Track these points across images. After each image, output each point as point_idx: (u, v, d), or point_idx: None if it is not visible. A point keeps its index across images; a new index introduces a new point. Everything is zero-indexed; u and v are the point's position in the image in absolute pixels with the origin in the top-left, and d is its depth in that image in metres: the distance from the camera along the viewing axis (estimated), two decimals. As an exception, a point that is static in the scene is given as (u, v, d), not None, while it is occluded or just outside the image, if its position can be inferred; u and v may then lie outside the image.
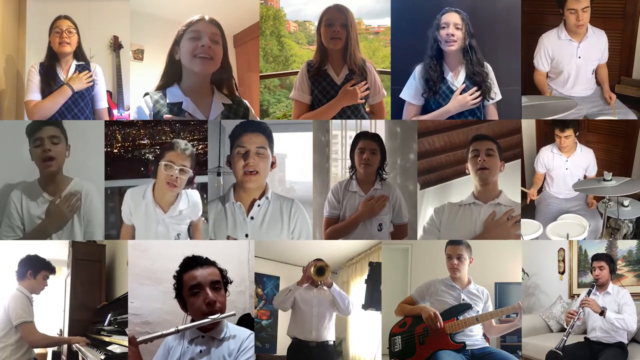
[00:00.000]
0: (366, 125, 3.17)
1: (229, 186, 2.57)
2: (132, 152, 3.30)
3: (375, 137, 2.73)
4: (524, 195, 3.47)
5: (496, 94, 2.88)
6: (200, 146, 3.27)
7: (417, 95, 2.88)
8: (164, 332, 1.87)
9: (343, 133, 3.45)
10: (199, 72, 2.52)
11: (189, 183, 2.61)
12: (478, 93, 2.82)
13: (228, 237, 2.51)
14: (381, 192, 2.70)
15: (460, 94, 2.81)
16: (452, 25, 2.75)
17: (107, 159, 3.00)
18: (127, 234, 2.70)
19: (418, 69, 2.87)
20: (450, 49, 2.78)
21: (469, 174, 2.68)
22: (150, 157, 2.98)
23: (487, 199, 2.64)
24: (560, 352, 2.68)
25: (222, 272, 1.99)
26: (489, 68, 2.84)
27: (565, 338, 2.71)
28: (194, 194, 2.71)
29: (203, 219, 2.74)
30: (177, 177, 2.54)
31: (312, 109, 2.84)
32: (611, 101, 3.36)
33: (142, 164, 2.90)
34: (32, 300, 2.98)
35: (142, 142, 3.26)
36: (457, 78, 2.84)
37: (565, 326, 2.84)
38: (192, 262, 1.95)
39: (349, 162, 2.80)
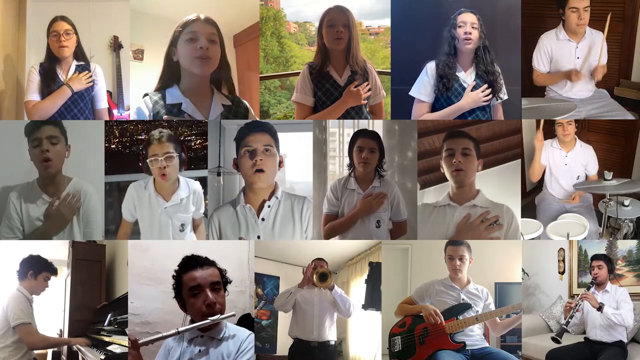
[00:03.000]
0: (364, 124, 3.18)
1: (239, 190, 2.57)
2: (130, 147, 3.30)
3: (374, 135, 2.72)
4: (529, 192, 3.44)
5: (504, 94, 2.91)
6: (199, 141, 3.27)
7: (428, 92, 2.89)
8: (165, 333, 1.87)
9: (340, 131, 3.45)
10: (199, 74, 2.52)
11: (182, 165, 2.66)
12: (489, 90, 2.84)
13: (240, 238, 2.51)
14: (380, 190, 2.69)
15: (472, 90, 2.84)
16: (470, 25, 2.78)
17: (105, 155, 3.01)
18: (125, 232, 2.71)
19: (430, 66, 2.88)
20: (467, 47, 2.80)
21: (444, 172, 2.61)
22: (141, 157, 3.01)
23: (463, 200, 2.57)
24: (559, 339, 2.70)
25: (222, 272, 1.98)
26: (499, 68, 2.87)
27: (564, 327, 2.73)
28: (194, 184, 2.74)
29: (203, 216, 2.77)
30: (165, 166, 2.58)
31: (315, 110, 2.84)
32: (596, 77, 3.31)
33: (140, 159, 2.94)
34: (31, 301, 2.97)
35: (140, 137, 3.26)
36: (468, 76, 2.87)
37: (562, 319, 2.86)
38: (191, 263, 1.93)
39: (347, 160, 2.80)
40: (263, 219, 2.48)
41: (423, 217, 2.63)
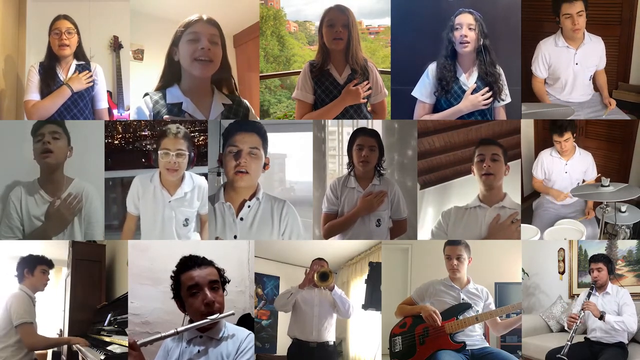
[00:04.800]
0: (363, 124, 3.17)
1: (219, 187, 2.57)
2: (133, 143, 3.31)
3: (374, 134, 2.74)
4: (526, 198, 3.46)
5: (507, 96, 2.91)
6: (202, 137, 3.28)
7: (429, 94, 2.91)
8: (164, 334, 1.86)
9: (340, 129, 3.45)
10: (199, 76, 2.52)
11: (190, 163, 2.69)
12: (490, 94, 2.83)
13: (217, 238, 2.51)
14: (379, 188, 2.71)
15: (472, 93, 2.83)
16: (466, 26, 2.78)
17: (108, 150, 3.02)
18: (130, 226, 2.73)
19: (431, 68, 2.90)
20: (465, 50, 2.81)
21: (475, 175, 2.71)
22: (151, 149, 3.04)
23: (492, 202, 2.68)
24: (566, 358, 2.68)
25: (220, 272, 1.98)
26: (500, 69, 2.87)
27: (569, 343, 2.71)
28: (199, 178, 2.78)
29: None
30: (175, 162, 2.62)
31: (314, 108, 2.85)
32: (611, 107, 3.37)
33: (143, 155, 2.97)
34: (34, 300, 2.97)
35: (143, 133, 3.27)
36: (469, 78, 2.87)
37: (566, 329, 2.85)
38: (189, 262, 1.94)
39: (346, 159, 2.81)
40: (242, 219, 2.48)
41: (457, 220, 2.72)
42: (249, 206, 2.48)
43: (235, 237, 2.49)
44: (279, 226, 2.52)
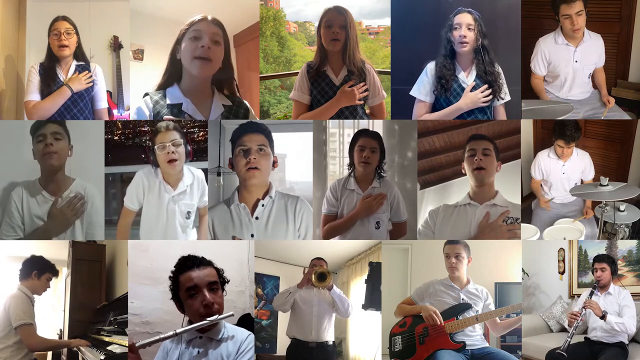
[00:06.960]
0: (364, 124, 3.18)
1: (233, 189, 2.60)
2: (133, 139, 3.32)
3: (376, 135, 2.74)
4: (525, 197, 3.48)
5: (506, 94, 2.90)
6: (202, 133, 3.28)
7: (427, 92, 2.90)
8: (162, 335, 1.85)
9: (341, 131, 3.45)
10: (197, 75, 2.53)
11: (187, 156, 2.72)
12: (489, 91, 2.83)
13: (234, 237, 2.52)
14: (379, 190, 2.70)
15: (471, 91, 2.83)
16: (465, 26, 2.77)
17: (108, 146, 3.03)
18: (127, 221, 2.73)
19: (430, 67, 2.89)
20: (463, 50, 2.80)
21: (465, 174, 2.68)
22: (148, 149, 3.06)
23: (483, 199, 2.65)
24: (565, 354, 2.68)
25: (219, 272, 1.97)
26: (499, 68, 2.86)
27: (569, 339, 2.71)
28: (198, 171, 2.82)
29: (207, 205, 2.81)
30: (173, 151, 2.65)
31: (311, 109, 2.86)
32: (609, 105, 3.36)
33: (143, 150, 2.98)
34: (33, 301, 2.97)
35: (143, 129, 3.27)
36: (468, 77, 2.87)
37: (567, 327, 2.85)
38: (188, 263, 1.93)
39: (346, 160, 2.81)
40: (257, 218, 2.51)
41: (445, 218, 2.68)
42: (262, 205, 2.52)
43: (252, 235, 2.52)
44: (294, 223, 2.56)
